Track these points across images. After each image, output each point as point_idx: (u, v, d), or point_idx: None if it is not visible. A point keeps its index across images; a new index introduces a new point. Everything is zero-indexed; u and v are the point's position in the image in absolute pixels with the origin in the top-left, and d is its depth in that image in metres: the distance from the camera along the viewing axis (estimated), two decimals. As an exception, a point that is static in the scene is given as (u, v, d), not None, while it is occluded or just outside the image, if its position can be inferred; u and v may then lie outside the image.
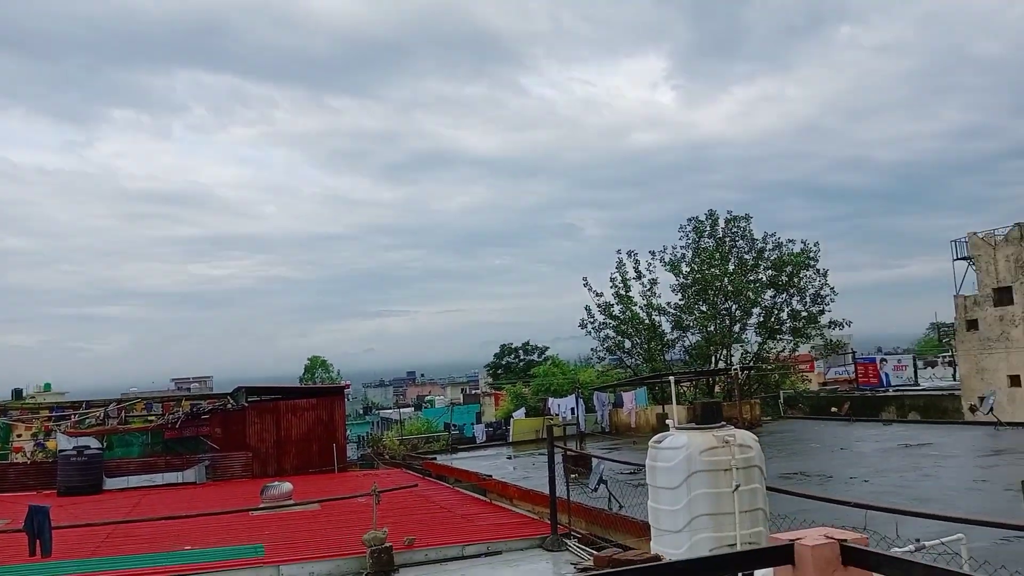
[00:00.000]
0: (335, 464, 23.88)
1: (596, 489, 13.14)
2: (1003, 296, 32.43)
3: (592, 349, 37.36)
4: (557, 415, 28.24)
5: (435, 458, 24.88)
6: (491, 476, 17.93)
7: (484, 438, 33.37)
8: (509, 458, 24.94)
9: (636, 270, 35.13)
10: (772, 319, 34.38)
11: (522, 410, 34.79)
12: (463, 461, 23.59)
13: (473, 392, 76.95)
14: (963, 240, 34.53)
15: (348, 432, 40.26)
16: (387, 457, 26.87)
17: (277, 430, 24.48)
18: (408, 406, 74.97)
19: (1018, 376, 31.66)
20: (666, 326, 35.15)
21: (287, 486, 16.34)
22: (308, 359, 67.86)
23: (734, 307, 34.27)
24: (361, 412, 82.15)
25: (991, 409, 23.00)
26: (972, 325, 33.70)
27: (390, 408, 75.12)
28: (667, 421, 9.09)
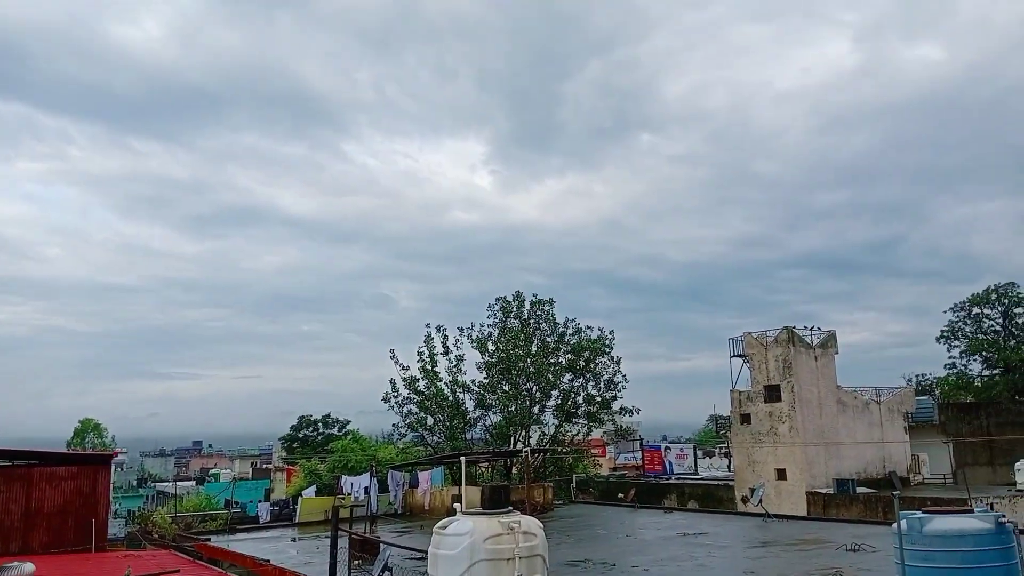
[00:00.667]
0: (92, 543, 21.25)
1: (380, 576, 12.45)
2: (772, 393, 35.35)
3: (394, 425, 36.55)
4: (350, 494, 27.03)
5: (210, 539, 22.86)
6: (268, 561, 16.62)
7: (269, 517, 31.27)
8: (294, 540, 23.42)
9: (444, 345, 35.10)
10: (569, 402, 35.36)
11: (312, 488, 33.07)
12: (242, 543, 21.84)
13: (264, 466, 72.64)
14: (740, 339, 37.51)
15: (116, 506, 36.29)
16: (156, 536, 24.37)
17: (27, 501, 21.52)
18: (189, 479, 69.42)
19: (784, 469, 34.35)
20: (469, 404, 35.15)
21: (28, 567, 14.16)
22: (80, 421, 61.49)
23: (535, 388, 34.96)
24: (135, 484, 75.04)
25: (760, 501, 24.60)
26: (745, 419, 36.36)
27: (168, 481, 69.11)
28: (454, 505, 8.79)
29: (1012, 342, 60.76)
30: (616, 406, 35.96)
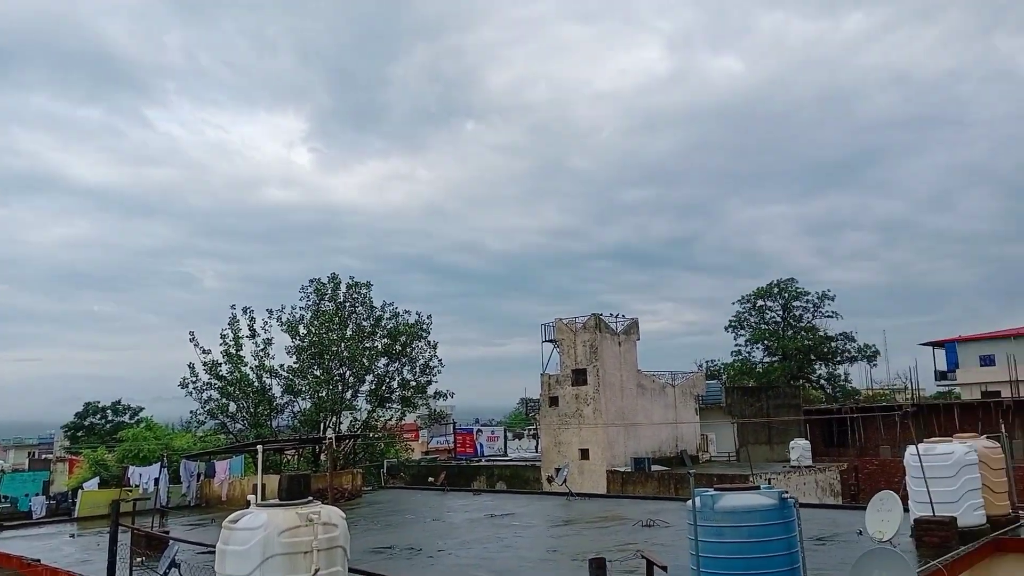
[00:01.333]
0: None
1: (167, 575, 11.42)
2: (579, 377, 36.65)
3: (192, 412, 34.27)
4: (138, 486, 24.96)
5: (-32, 539, 20.20)
6: (39, 561, 14.88)
7: (44, 512, 28.32)
8: (72, 537, 21.23)
9: (252, 328, 33.30)
10: (383, 387, 34.76)
11: (96, 480, 30.30)
12: (8, 541, 19.48)
13: (44, 457, 66.05)
14: (551, 325, 38.55)
15: None
16: (-100, 539, 21.20)
17: None
18: (-49, 472, 61.65)
19: (587, 450, 35.72)
20: (277, 390, 33.64)
21: None
22: None
23: (348, 373, 34.03)
24: None
25: (564, 480, 25.34)
26: (554, 402, 37.46)
27: (-75, 475, 61.02)
28: (248, 497, 8.11)
29: (790, 332, 67.01)
30: (431, 390, 35.83)
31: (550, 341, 38.42)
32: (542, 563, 13.06)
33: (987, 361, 61.09)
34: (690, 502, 8.29)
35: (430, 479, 32.74)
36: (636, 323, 38.81)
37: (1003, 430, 15.93)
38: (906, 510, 12.44)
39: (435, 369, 35.55)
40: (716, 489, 8.65)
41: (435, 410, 39.96)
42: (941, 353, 65.84)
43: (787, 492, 8.45)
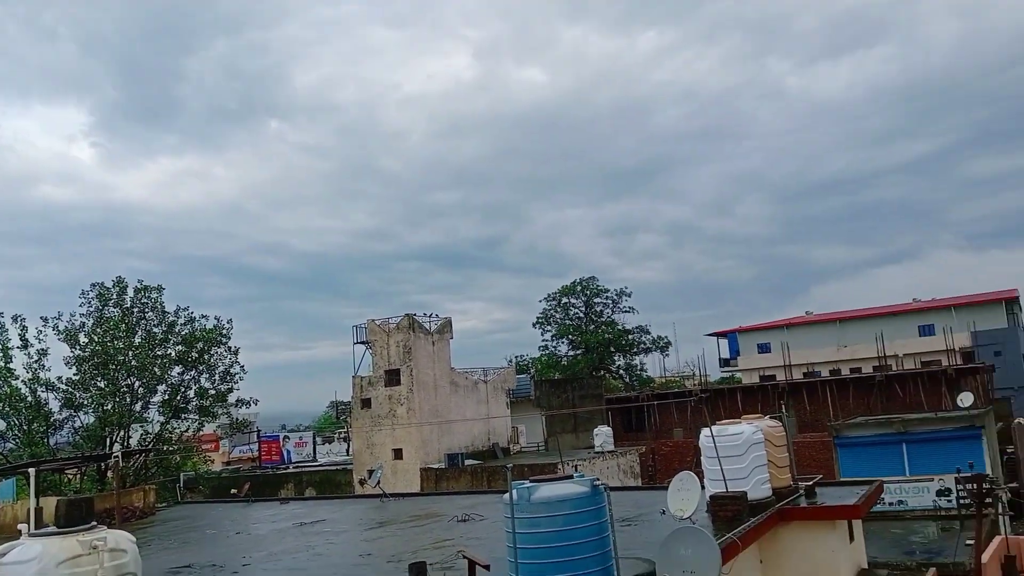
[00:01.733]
0: None
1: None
2: (393, 377, 36.20)
3: (-52, 433, 30.13)
4: None
5: None
6: None
7: None
8: None
9: (23, 338, 29.86)
10: (178, 397, 32.43)
11: None
12: None
13: None
14: (363, 326, 37.78)
15: None
16: None
17: None
18: None
19: (401, 449, 35.36)
20: (55, 404, 30.38)
21: None
22: None
23: (137, 384, 31.40)
24: None
25: (378, 482, 24.87)
26: (366, 403, 36.74)
27: None
28: (19, 527, 7.14)
29: (592, 327, 70.21)
30: (232, 398, 33.86)
31: (362, 343, 37.64)
32: (356, 568, 12.65)
33: (764, 348, 67.40)
34: (506, 495, 8.29)
35: (232, 491, 30.98)
36: (449, 322, 38.95)
37: (782, 410, 17.48)
38: (702, 488, 13.29)
39: (236, 376, 33.63)
40: (532, 481, 8.72)
41: (237, 419, 37.83)
42: (724, 342, 71.90)
43: (598, 479, 8.68)
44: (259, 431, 50.75)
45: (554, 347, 71.37)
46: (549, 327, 70.96)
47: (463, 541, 14.27)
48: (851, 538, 13.97)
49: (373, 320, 37.40)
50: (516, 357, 72.76)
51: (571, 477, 8.77)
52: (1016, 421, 40.97)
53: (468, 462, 34.65)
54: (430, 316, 38.07)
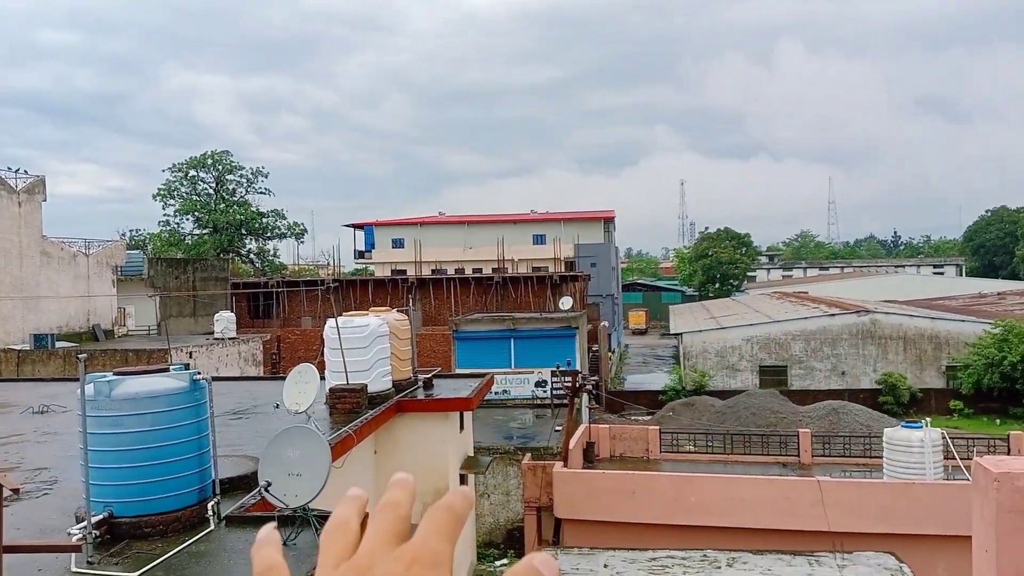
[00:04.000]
0: None
1: None
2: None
3: None
4: None
5: None
6: None
7: None
8: None
9: None
10: None
11: None
12: None
13: None
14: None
15: None
16: None
17: None
18: None
19: (-31, 327, 29.56)
20: None
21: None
22: None
23: None
24: None
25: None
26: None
27: None
28: None
29: (222, 205, 65.44)
30: None
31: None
32: None
33: (397, 244, 68.98)
34: (79, 390, 6.73)
35: None
36: (43, 181, 32.97)
37: (410, 304, 17.48)
38: (324, 379, 12.67)
39: None
40: (116, 373, 7.25)
41: None
42: (361, 235, 72.03)
43: (199, 372, 7.51)
44: None
45: (177, 224, 65.47)
46: (172, 201, 64.66)
47: (36, 435, 12.08)
48: (461, 428, 14.49)
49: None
50: (132, 231, 65.45)
51: (167, 369, 7.47)
52: (602, 324, 47.31)
53: (60, 344, 30.27)
54: (17, 172, 31.86)
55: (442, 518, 0.63)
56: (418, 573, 0.60)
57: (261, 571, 0.66)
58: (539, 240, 66.26)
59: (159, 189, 64.34)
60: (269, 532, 0.69)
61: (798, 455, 21.08)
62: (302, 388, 10.69)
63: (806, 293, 68.28)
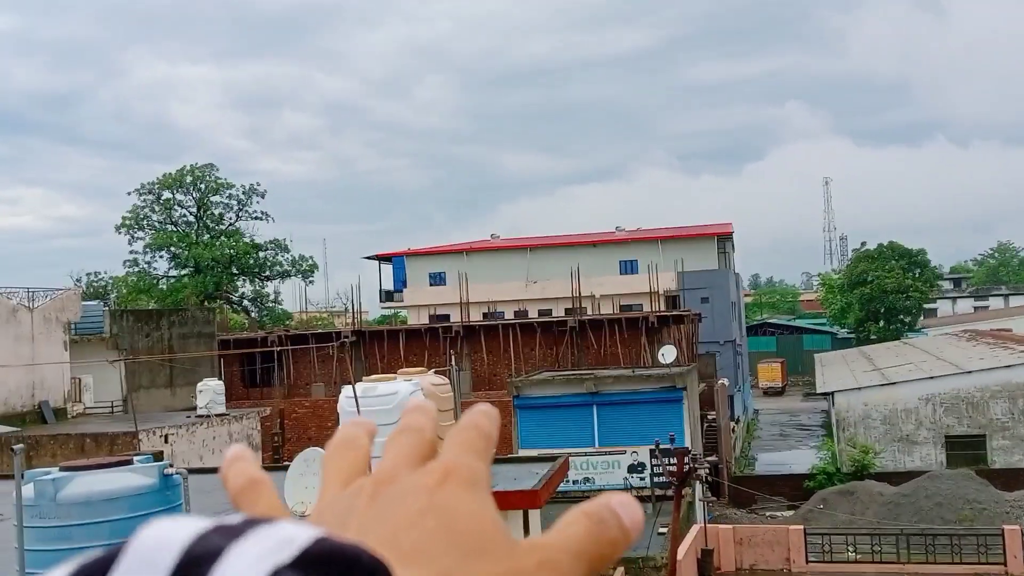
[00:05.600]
0: None
1: None
2: None
3: None
4: None
5: None
6: None
7: None
8: None
9: None
10: None
11: None
12: None
13: None
14: None
15: None
16: None
17: None
18: None
19: None
20: None
21: None
22: None
23: None
24: None
25: None
26: None
27: None
28: None
29: (206, 236, 67.08)
30: None
31: None
32: None
33: (437, 279, 69.70)
34: (15, 493, 6.97)
35: None
36: (-26, 213, 34.51)
37: (451, 361, 17.62)
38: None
39: None
40: (64, 469, 7.49)
41: None
42: (389, 269, 73.10)
43: (172, 464, 7.71)
44: None
45: (148, 264, 67.48)
46: (141, 234, 66.73)
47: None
48: (526, 532, 14.44)
49: None
50: (89, 275, 67.68)
51: (130, 462, 7.68)
52: (720, 382, 46.83)
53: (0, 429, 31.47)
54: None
55: (471, 435, 0.69)
56: (454, 489, 0.64)
57: (244, 485, 0.70)
58: (629, 268, 66.30)
59: (124, 218, 66.53)
60: (241, 448, 0.74)
61: (1004, 562, 20.38)
62: (310, 482, 10.83)
63: (1010, 331, 66.44)
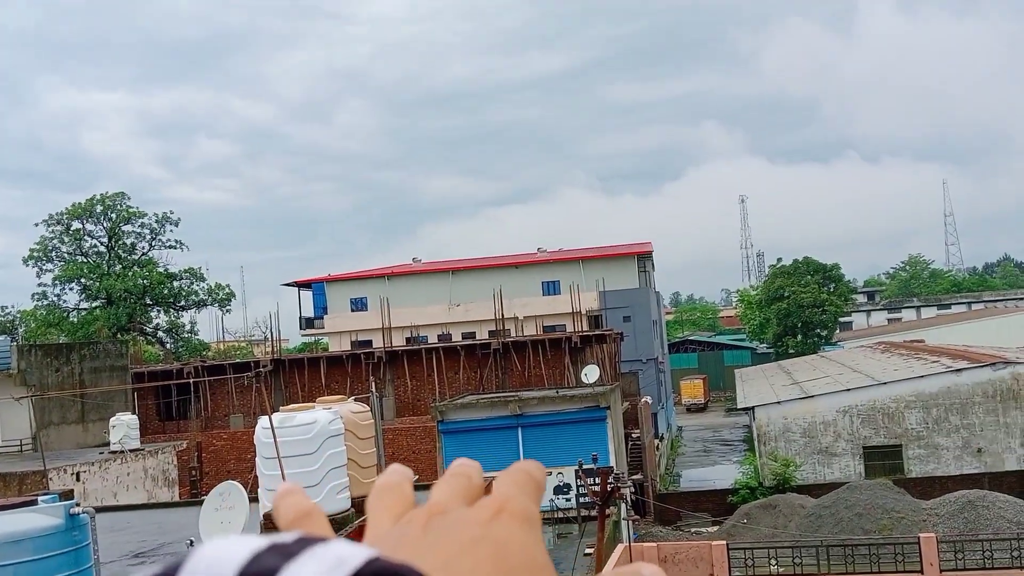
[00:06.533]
0: None
1: None
2: None
3: None
4: None
5: None
6: None
7: None
8: None
9: None
10: None
11: None
12: None
13: None
14: None
15: None
16: None
17: None
18: None
19: None
20: None
21: None
22: None
23: None
24: None
25: None
26: None
27: None
28: None
29: (118, 267, 65.90)
30: None
31: None
32: None
33: (359, 305, 69.24)
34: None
35: None
36: None
37: (373, 388, 17.50)
38: (256, 500, 12.60)
39: None
40: (-37, 510, 7.25)
41: None
42: (308, 295, 72.38)
43: (79, 503, 7.51)
44: None
45: (57, 296, 65.93)
46: (50, 266, 65.24)
47: None
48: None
49: None
50: (-4, 310, 65.75)
51: (35, 502, 7.47)
52: (643, 400, 47.23)
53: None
54: None
55: (523, 478, 0.73)
56: (508, 523, 0.66)
57: (296, 516, 0.74)
58: (551, 289, 66.59)
59: (31, 250, 65.00)
60: (291, 484, 0.79)
61: (920, 570, 20.84)
62: (226, 516, 10.65)
63: (922, 342, 68.26)
